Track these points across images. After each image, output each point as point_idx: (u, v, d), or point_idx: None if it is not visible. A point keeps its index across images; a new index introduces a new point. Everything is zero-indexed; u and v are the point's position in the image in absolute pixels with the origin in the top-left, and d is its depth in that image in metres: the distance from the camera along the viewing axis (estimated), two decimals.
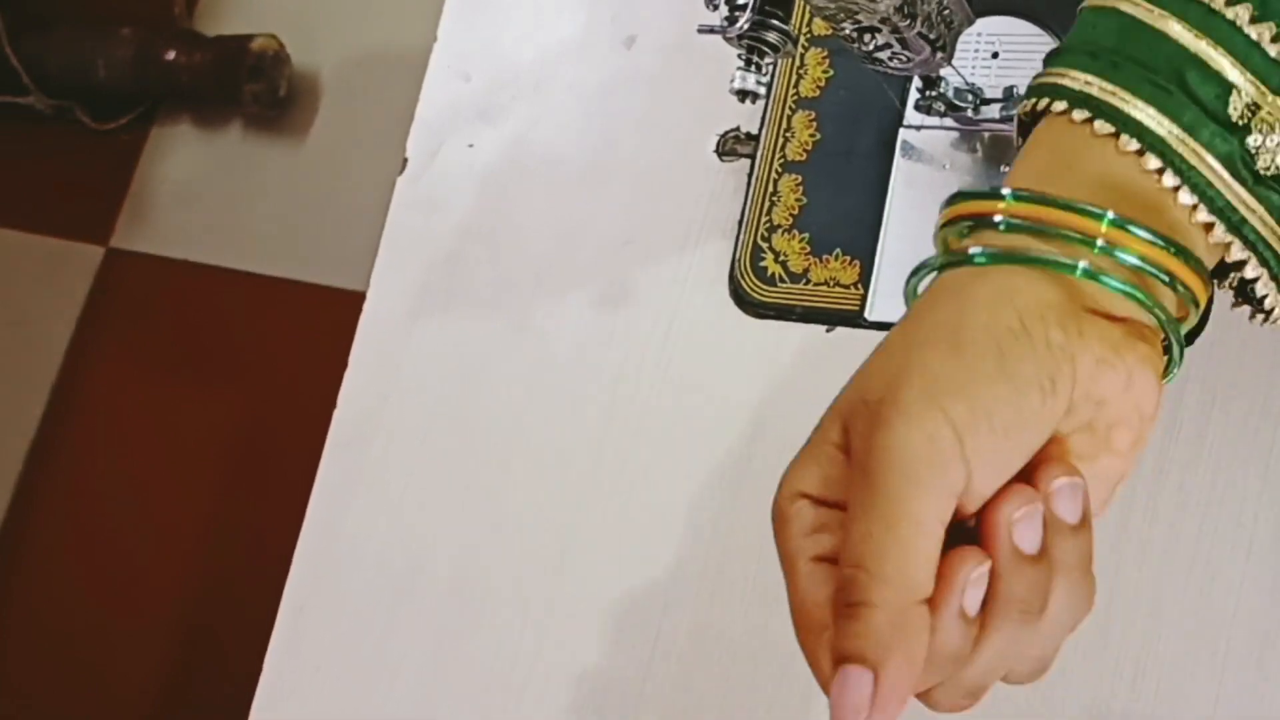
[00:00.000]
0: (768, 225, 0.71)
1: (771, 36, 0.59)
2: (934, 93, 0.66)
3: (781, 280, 0.70)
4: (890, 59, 0.61)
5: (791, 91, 0.73)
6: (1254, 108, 0.42)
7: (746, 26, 0.59)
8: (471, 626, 0.70)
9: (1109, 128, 0.42)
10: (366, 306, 0.79)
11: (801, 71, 0.73)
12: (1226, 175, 0.41)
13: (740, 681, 0.65)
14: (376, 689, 0.71)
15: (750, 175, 0.72)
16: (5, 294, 1.79)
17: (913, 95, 0.70)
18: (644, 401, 0.71)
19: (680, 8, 0.77)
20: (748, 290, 0.70)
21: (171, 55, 1.71)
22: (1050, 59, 0.44)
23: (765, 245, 0.71)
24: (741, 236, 0.71)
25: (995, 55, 0.69)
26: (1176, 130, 0.41)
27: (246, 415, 1.64)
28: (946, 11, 0.60)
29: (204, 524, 1.61)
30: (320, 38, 1.75)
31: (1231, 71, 0.41)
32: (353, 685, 0.72)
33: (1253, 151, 0.42)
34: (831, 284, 0.69)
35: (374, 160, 1.57)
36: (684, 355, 0.71)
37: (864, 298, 0.68)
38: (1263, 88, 0.42)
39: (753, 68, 0.60)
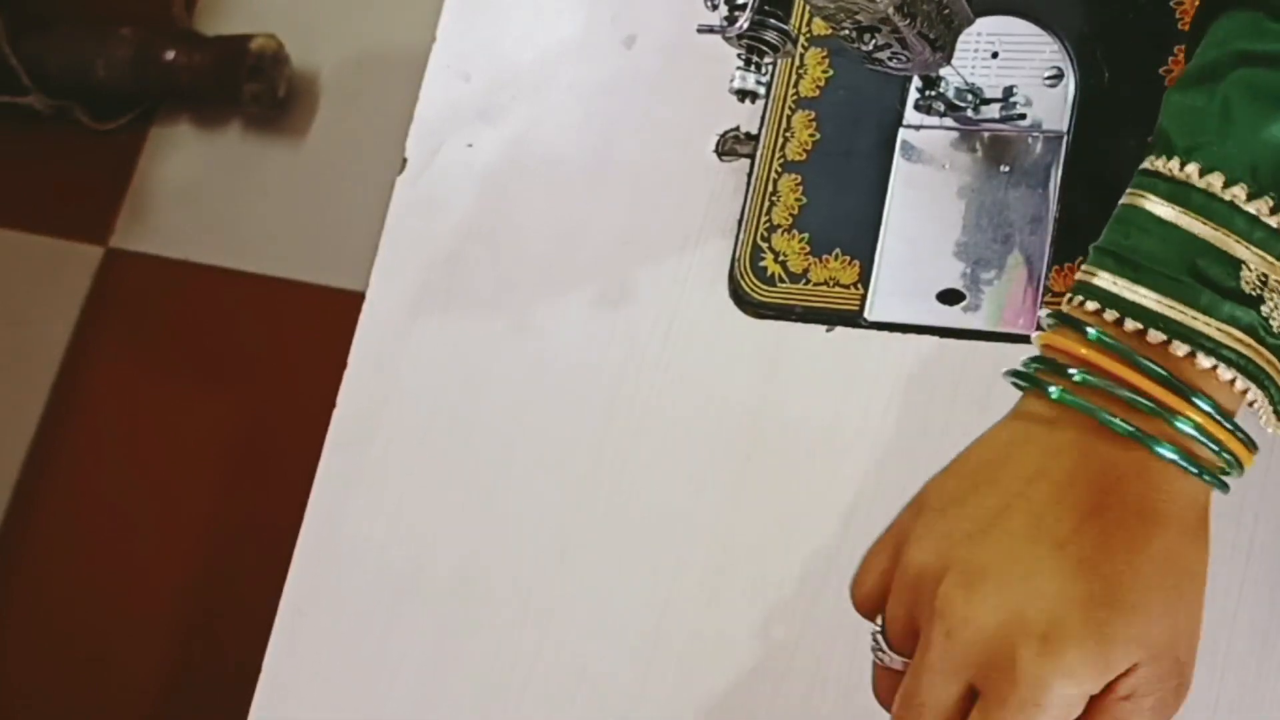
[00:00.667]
0: (767, 225, 0.71)
1: (771, 36, 0.59)
2: (934, 93, 0.66)
3: (781, 280, 0.70)
4: (890, 59, 0.61)
5: (791, 91, 0.73)
6: (1264, 278, 0.45)
7: (746, 26, 0.59)
8: (471, 626, 0.70)
9: (1136, 324, 0.45)
10: (366, 306, 0.79)
11: (801, 71, 0.73)
12: (1254, 343, 0.45)
13: (740, 681, 0.65)
14: (376, 689, 0.71)
15: (750, 175, 0.72)
16: (5, 294, 1.79)
17: (912, 95, 0.70)
18: (644, 401, 0.71)
19: (680, 8, 0.77)
20: (748, 290, 0.70)
21: (171, 55, 1.71)
22: (1088, 254, 0.48)
23: (765, 245, 0.71)
24: (741, 236, 0.71)
25: (995, 55, 0.69)
26: (1197, 314, 0.45)
27: (246, 415, 1.64)
28: (946, 11, 0.60)
29: (204, 524, 1.61)
30: (320, 38, 1.75)
31: (1238, 249, 0.45)
32: (353, 685, 0.72)
33: (1265, 317, 0.45)
34: (831, 284, 0.69)
35: (374, 160, 1.57)
36: (684, 355, 0.71)
37: (864, 298, 0.68)
38: (1270, 258, 0.45)
39: (752, 67, 0.60)
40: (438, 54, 0.83)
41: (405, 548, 0.73)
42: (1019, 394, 0.50)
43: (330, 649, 0.73)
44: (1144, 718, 0.44)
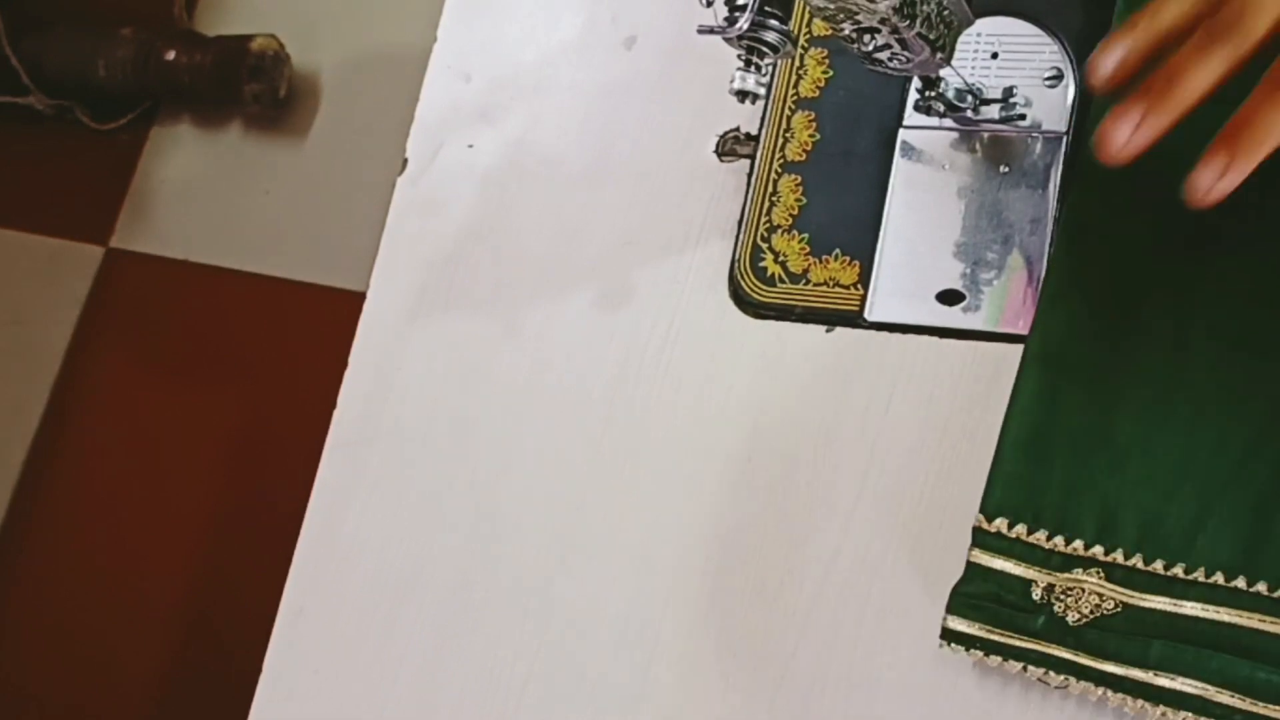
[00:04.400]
0: (767, 225, 0.71)
1: (771, 37, 0.59)
2: (933, 93, 0.66)
3: (781, 280, 0.70)
4: (890, 59, 0.61)
5: (791, 92, 0.73)
6: (1050, 588, 0.59)
7: (746, 27, 0.59)
8: (471, 626, 0.71)
9: (960, 647, 0.60)
10: (366, 306, 0.79)
11: (801, 72, 0.73)
12: (1052, 646, 0.58)
13: (740, 681, 0.65)
14: (376, 689, 0.71)
15: (750, 175, 0.72)
16: (5, 294, 1.79)
17: (912, 95, 0.70)
18: (644, 401, 0.71)
19: (680, 8, 0.77)
20: (747, 290, 0.70)
21: (171, 55, 1.71)
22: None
23: (765, 245, 0.71)
24: (741, 237, 0.71)
25: (995, 55, 0.69)
26: (1002, 631, 0.59)
27: (247, 415, 1.64)
28: (946, 12, 0.60)
29: (204, 524, 1.62)
30: (320, 38, 1.75)
31: (1017, 569, 0.59)
32: (353, 685, 0.72)
33: (1060, 615, 0.58)
34: (831, 284, 0.69)
35: (374, 160, 1.57)
36: (684, 355, 0.71)
37: (864, 298, 0.68)
38: (1044, 570, 0.59)
39: (752, 68, 0.60)
40: (438, 54, 0.83)
41: (405, 548, 0.73)
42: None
43: (330, 649, 0.73)
44: None
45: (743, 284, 0.71)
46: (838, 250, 0.69)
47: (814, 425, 0.67)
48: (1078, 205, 0.64)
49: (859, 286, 0.68)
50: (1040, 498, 0.60)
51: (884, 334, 0.67)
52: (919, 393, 0.66)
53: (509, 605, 0.70)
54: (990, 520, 0.61)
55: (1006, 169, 0.68)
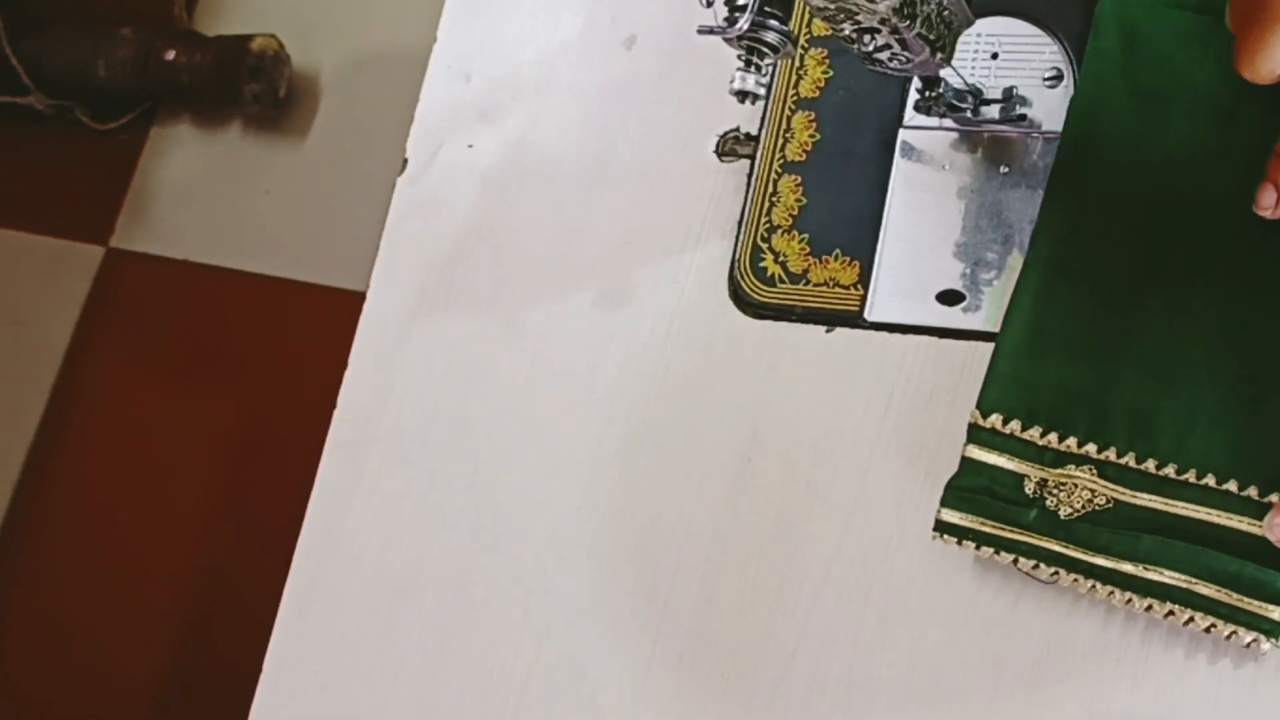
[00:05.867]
0: (767, 226, 0.71)
1: (771, 37, 0.59)
2: (933, 93, 0.66)
3: (781, 281, 0.70)
4: (890, 60, 0.61)
5: (791, 92, 0.73)
6: (1043, 482, 0.60)
7: (746, 27, 0.59)
8: (471, 626, 0.71)
9: (952, 539, 0.61)
10: (366, 307, 0.79)
11: (801, 72, 0.73)
12: (1043, 539, 0.60)
13: (740, 681, 0.65)
14: (376, 689, 0.71)
15: (750, 175, 0.72)
16: (5, 294, 1.79)
17: (912, 96, 0.70)
18: (644, 402, 0.71)
19: (680, 8, 0.77)
20: (747, 291, 0.70)
21: (171, 55, 1.71)
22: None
23: (765, 246, 0.71)
24: (741, 237, 0.71)
25: (995, 56, 0.69)
26: (994, 524, 0.60)
27: (247, 415, 1.64)
28: (946, 12, 0.60)
29: (204, 524, 1.62)
30: (320, 38, 1.75)
31: (1011, 464, 0.61)
32: (353, 685, 0.72)
33: (1052, 509, 0.60)
34: (831, 284, 0.69)
35: (374, 160, 1.57)
36: (684, 355, 0.71)
37: (863, 298, 0.68)
38: (1037, 465, 0.61)
39: (752, 68, 0.60)
40: (438, 54, 0.83)
41: (405, 548, 0.73)
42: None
43: (330, 649, 0.73)
44: None
45: (743, 284, 0.71)
46: (838, 250, 0.69)
47: (814, 425, 0.67)
48: (1078, 123, 0.65)
49: (859, 287, 0.68)
50: (1035, 396, 0.61)
51: (884, 334, 0.67)
52: (919, 393, 0.66)
53: (509, 605, 0.70)
54: (985, 417, 0.62)
55: (1006, 169, 0.68)
